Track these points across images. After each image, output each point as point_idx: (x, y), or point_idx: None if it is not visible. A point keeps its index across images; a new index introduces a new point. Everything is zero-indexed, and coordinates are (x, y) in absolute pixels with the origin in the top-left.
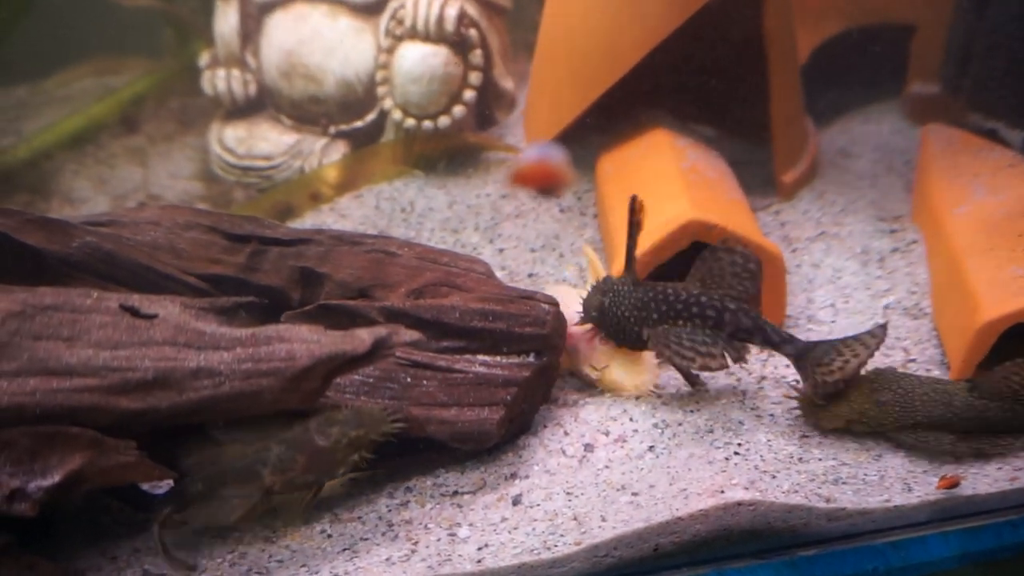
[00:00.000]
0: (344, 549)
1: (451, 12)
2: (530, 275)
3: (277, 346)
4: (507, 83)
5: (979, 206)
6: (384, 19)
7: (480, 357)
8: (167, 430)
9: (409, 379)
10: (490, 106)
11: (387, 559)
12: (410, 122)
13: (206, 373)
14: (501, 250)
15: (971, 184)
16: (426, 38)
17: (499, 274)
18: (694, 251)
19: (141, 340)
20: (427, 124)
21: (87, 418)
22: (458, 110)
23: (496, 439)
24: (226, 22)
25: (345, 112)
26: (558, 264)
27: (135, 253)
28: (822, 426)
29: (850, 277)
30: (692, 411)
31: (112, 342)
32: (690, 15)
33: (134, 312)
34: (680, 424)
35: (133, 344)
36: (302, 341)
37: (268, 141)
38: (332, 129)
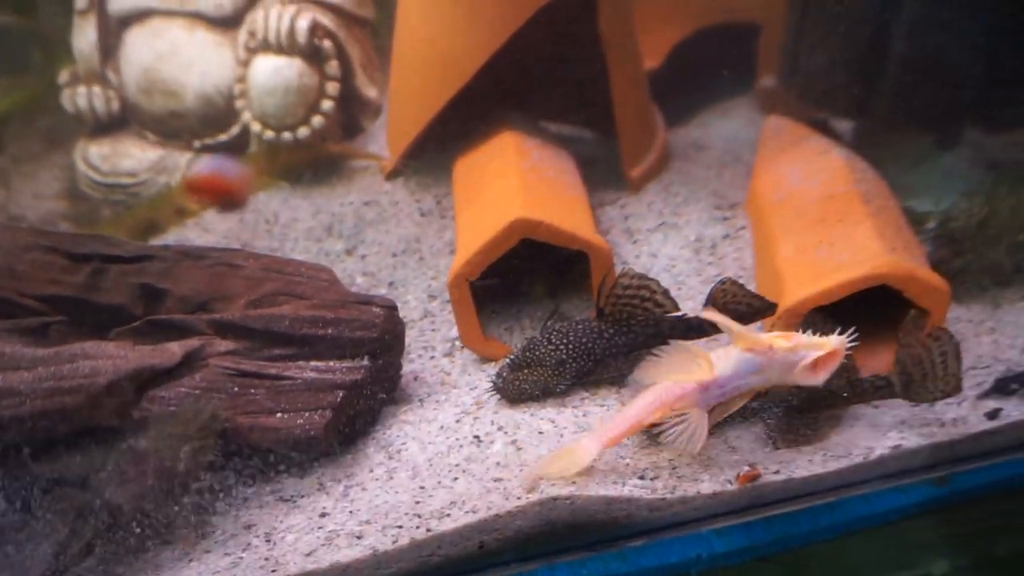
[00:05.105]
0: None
1: (302, 24)
2: (390, 283)
3: (81, 363)
4: (371, 91)
5: (793, 192)
6: (242, 32)
7: (313, 363)
8: None
9: (236, 388)
10: (355, 115)
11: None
12: (269, 134)
13: (5, 393)
14: (364, 256)
15: (789, 172)
16: (279, 50)
17: (360, 280)
18: (530, 249)
19: None
20: (286, 135)
21: None
22: (316, 120)
23: (324, 443)
24: (84, 38)
25: (208, 126)
26: (418, 268)
27: None
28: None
29: (683, 265)
30: (529, 412)
31: None
32: (526, 19)
33: None
34: (518, 425)
35: None
36: (107, 357)
37: (132, 158)
38: (196, 143)
